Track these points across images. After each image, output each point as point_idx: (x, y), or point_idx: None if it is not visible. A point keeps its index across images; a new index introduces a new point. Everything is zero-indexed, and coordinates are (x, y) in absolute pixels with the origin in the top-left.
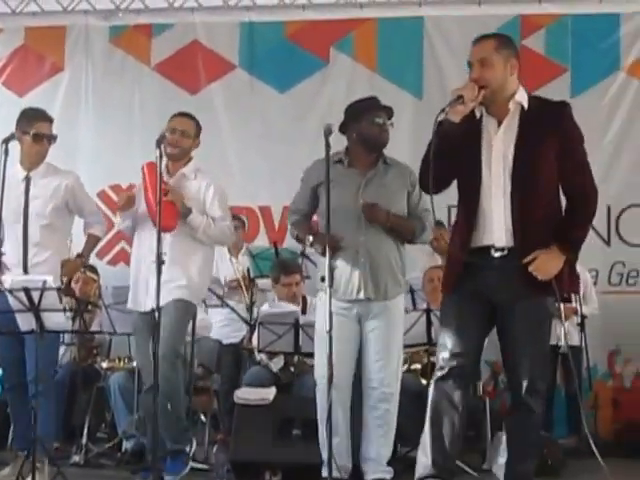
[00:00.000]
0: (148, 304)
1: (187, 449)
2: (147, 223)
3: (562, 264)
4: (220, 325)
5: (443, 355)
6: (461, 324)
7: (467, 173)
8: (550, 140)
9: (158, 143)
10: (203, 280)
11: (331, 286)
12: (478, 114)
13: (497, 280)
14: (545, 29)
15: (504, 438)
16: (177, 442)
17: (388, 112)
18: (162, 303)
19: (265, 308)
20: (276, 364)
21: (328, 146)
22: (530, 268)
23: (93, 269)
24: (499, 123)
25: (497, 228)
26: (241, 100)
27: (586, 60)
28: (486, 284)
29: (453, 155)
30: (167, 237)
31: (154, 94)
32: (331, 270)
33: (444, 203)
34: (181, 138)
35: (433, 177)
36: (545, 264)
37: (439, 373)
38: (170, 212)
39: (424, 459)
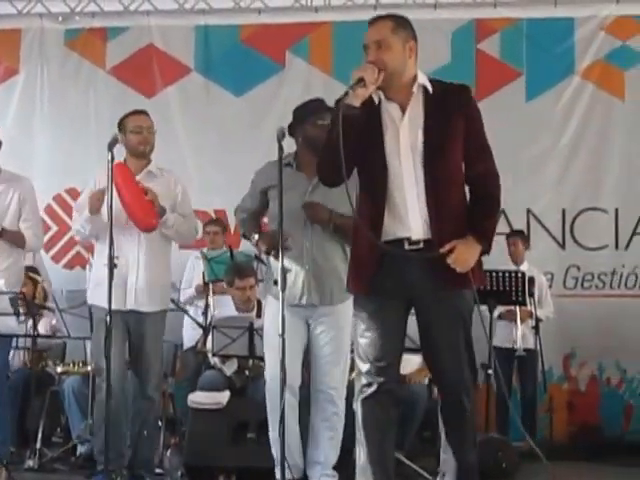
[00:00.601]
0: (128, 303)
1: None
2: (119, 222)
3: (478, 255)
4: (185, 326)
5: (367, 368)
6: (383, 332)
7: (371, 164)
8: (457, 123)
9: (110, 146)
10: (169, 281)
11: (284, 290)
12: (377, 99)
13: (413, 275)
14: (500, 33)
15: None
16: (145, 470)
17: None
18: (147, 308)
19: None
20: (229, 367)
21: (281, 149)
22: (449, 260)
23: (34, 269)
24: (402, 109)
25: (412, 219)
26: (197, 104)
27: (541, 64)
28: (402, 280)
29: (354, 143)
30: (142, 238)
31: (109, 98)
32: (284, 273)
33: None
34: (148, 135)
35: (335, 168)
36: (464, 255)
37: (367, 390)
38: (151, 211)
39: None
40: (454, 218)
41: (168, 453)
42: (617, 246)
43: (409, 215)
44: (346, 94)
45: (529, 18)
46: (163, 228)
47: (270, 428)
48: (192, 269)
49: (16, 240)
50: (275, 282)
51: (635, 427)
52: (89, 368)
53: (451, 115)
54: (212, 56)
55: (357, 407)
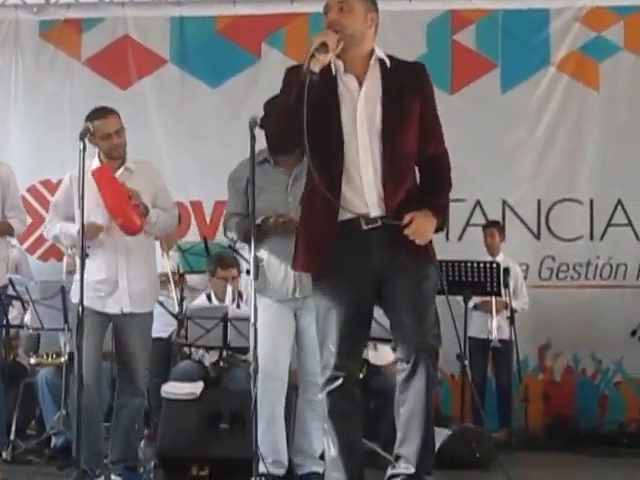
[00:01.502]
0: (114, 307)
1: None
2: (98, 217)
3: (434, 229)
4: None
5: (331, 361)
6: (346, 320)
7: (326, 136)
8: (414, 99)
9: (82, 136)
10: (156, 278)
11: (256, 278)
12: (334, 70)
13: (373, 253)
14: (476, 24)
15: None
16: (135, 459)
17: None
18: (140, 309)
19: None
20: (211, 357)
21: (253, 138)
22: (407, 231)
23: None
24: (359, 82)
25: (368, 195)
26: (172, 95)
27: (516, 55)
28: (363, 260)
29: (309, 110)
30: (128, 241)
31: (85, 89)
32: (256, 263)
33: None
34: (119, 138)
35: (288, 135)
36: (422, 226)
37: (332, 385)
38: (137, 215)
39: (337, 474)
40: (408, 194)
41: (141, 444)
42: (592, 237)
43: (365, 190)
44: (311, 58)
45: (505, 9)
46: (148, 227)
47: (262, 425)
48: None
49: (3, 230)
50: (247, 272)
51: (610, 418)
52: (62, 359)
53: (408, 91)
54: (188, 47)
55: (323, 399)
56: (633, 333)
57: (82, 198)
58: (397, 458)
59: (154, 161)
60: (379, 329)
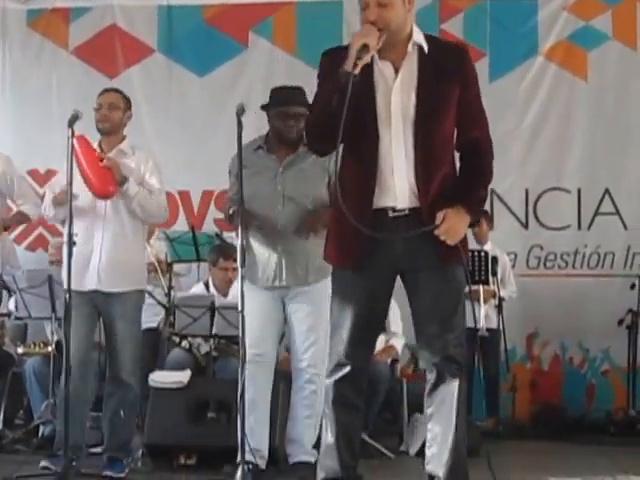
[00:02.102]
0: (88, 284)
1: (125, 460)
2: (86, 200)
3: (467, 227)
4: None
5: (341, 349)
6: (362, 312)
7: (360, 127)
8: (452, 88)
9: (70, 123)
10: (142, 262)
11: (243, 266)
12: (369, 58)
13: (397, 243)
14: (464, 13)
15: (421, 419)
16: (119, 451)
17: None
18: (112, 288)
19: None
20: (204, 347)
21: (240, 125)
22: (438, 231)
23: None
24: (395, 68)
25: (399, 188)
26: (160, 84)
27: (504, 44)
28: (388, 251)
29: (351, 109)
30: (108, 218)
31: (72, 78)
32: (243, 251)
33: None
34: (109, 111)
35: (328, 137)
36: (455, 226)
37: (339, 373)
38: (107, 178)
39: (330, 462)
40: (443, 187)
41: None
42: (580, 226)
43: (396, 183)
44: (354, 65)
45: None
46: (125, 199)
47: (249, 416)
48: None
49: (20, 220)
50: (234, 259)
51: (597, 406)
52: (50, 349)
53: (446, 79)
54: (175, 36)
55: (329, 386)
56: (620, 322)
57: (70, 184)
58: (430, 477)
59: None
60: None
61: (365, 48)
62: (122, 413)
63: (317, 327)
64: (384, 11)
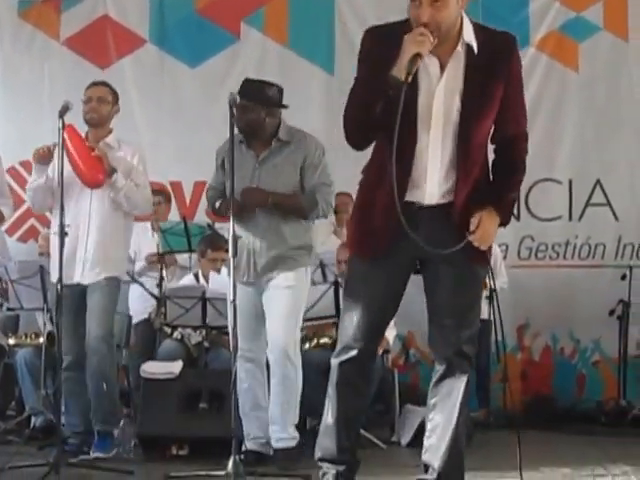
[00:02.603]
0: (75, 276)
1: (115, 431)
2: (72, 190)
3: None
4: (131, 300)
5: (349, 333)
6: (376, 299)
7: (401, 125)
8: (498, 82)
9: (61, 114)
10: (127, 252)
11: (235, 256)
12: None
13: (419, 230)
14: None
15: (413, 410)
16: (106, 423)
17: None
18: (93, 279)
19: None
20: (196, 337)
21: (232, 116)
22: (473, 238)
23: None
24: (442, 66)
25: (429, 190)
26: (151, 75)
27: None
28: (411, 242)
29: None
30: (93, 208)
31: (64, 69)
32: (235, 240)
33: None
34: (98, 105)
35: (368, 135)
36: (488, 231)
37: (345, 355)
38: (97, 167)
39: (327, 442)
40: (476, 186)
41: (121, 424)
42: (571, 217)
43: (427, 185)
44: (405, 81)
45: None
46: (113, 191)
47: (240, 403)
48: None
49: None
50: (224, 250)
51: (587, 396)
52: (41, 340)
53: (493, 79)
54: (167, 27)
55: (334, 367)
56: (611, 313)
57: (61, 174)
58: (425, 466)
59: (133, 141)
60: None
61: (417, 57)
62: (104, 386)
63: (289, 313)
64: (438, 12)
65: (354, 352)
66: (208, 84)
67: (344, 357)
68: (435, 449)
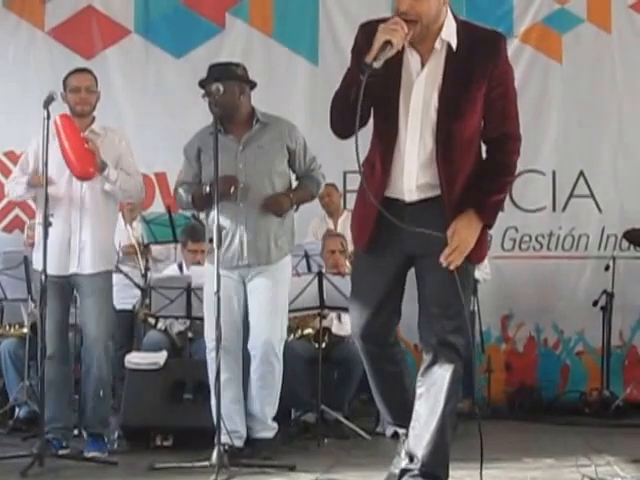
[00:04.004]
0: (71, 267)
1: (106, 434)
2: (63, 180)
3: (479, 231)
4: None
5: (356, 330)
6: (374, 291)
7: (384, 116)
8: (479, 87)
9: (46, 104)
10: (114, 243)
11: (219, 247)
12: (400, 46)
13: (408, 231)
14: None
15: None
16: (100, 426)
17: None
18: (91, 269)
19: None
20: (178, 326)
21: (214, 105)
22: (447, 252)
23: None
24: (422, 62)
25: (407, 182)
26: (136, 65)
27: None
28: (396, 236)
29: (372, 100)
30: (85, 199)
31: (48, 59)
32: (219, 230)
33: (340, 169)
34: (87, 94)
35: (352, 125)
36: (465, 240)
37: (367, 351)
38: (89, 160)
39: (385, 415)
40: (469, 183)
41: None
42: (554, 208)
43: (405, 178)
44: (370, 64)
45: None
46: (106, 183)
47: (212, 393)
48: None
49: None
50: (210, 240)
51: (571, 387)
52: (25, 330)
53: (474, 79)
54: (152, 17)
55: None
56: (595, 303)
57: (46, 165)
58: (410, 456)
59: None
60: (342, 299)
61: (388, 45)
62: (101, 392)
63: (274, 306)
64: (418, 3)
65: (373, 349)
66: (193, 74)
67: (366, 356)
68: (419, 439)
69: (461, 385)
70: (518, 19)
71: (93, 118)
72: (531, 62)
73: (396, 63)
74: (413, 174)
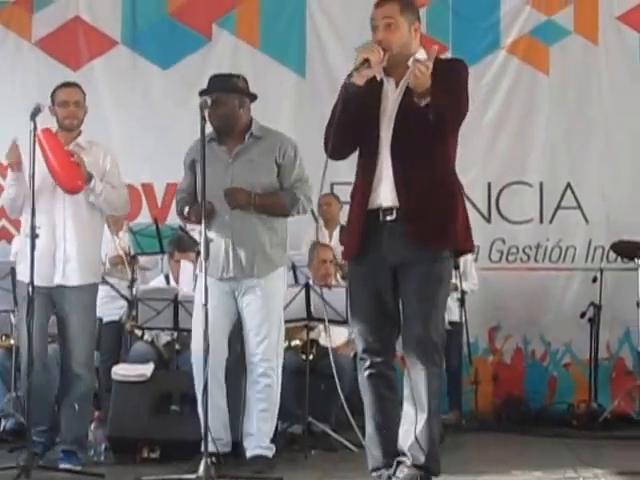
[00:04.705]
0: (56, 278)
1: (80, 454)
2: (45, 191)
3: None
4: (100, 302)
5: (362, 347)
6: (369, 307)
7: (367, 138)
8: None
9: (32, 116)
10: (100, 255)
11: (206, 259)
12: (379, 77)
13: (388, 243)
14: (427, 7)
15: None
16: (75, 444)
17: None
18: (75, 281)
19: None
20: (165, 337)
21: (204, 119)
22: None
23: None
24: (397, 84)
25: (384, 189)
26: (123, 77)
27: (467, 39)
28: (381, 248)
29: (358, 119)
30: (68, 209)
31: (35, 70)
32: (207, 243)
33: (327, 180)
34: (76, 109)
35: (339, 143)
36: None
37: (368, 371)
38: (77, 173)
39: (376, 452)
40: (425, 190)
41: (92, 427)
42: (542, 220)
43: (382, 185)
44: (349, 76)
45: None
46: (92, 196)
47: (199, 402)
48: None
49: None
50: (198, 252)
51: (559, 399)
52: (12, 342)
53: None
54: (139, 29)
55: (360, 380)
56: (582, 315)
57: (32, 177)
58: (402, 453)
59: (104, 142)
60: (331, 311)
61: (366, 62)
62: (76, 407)
63: (269, 320)
64: (390, 34)
65: (367, 362)
66: (180, 86)
67: (369, 372)
68: (407, 435)
69: (442, 382)
70: (505, 31)
71: (79, 132)
72: (518, 74)
73: (377, 93)
74: (390, 178)
